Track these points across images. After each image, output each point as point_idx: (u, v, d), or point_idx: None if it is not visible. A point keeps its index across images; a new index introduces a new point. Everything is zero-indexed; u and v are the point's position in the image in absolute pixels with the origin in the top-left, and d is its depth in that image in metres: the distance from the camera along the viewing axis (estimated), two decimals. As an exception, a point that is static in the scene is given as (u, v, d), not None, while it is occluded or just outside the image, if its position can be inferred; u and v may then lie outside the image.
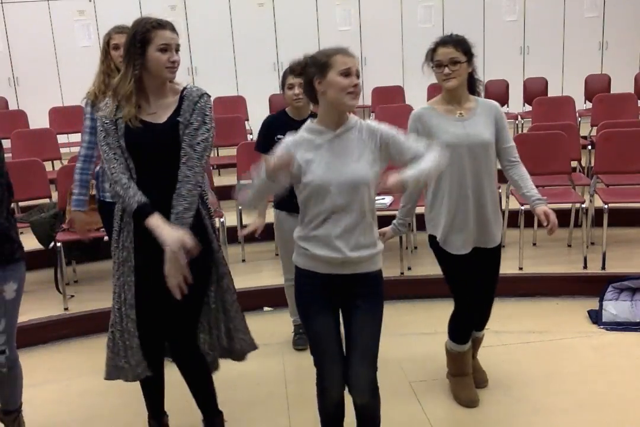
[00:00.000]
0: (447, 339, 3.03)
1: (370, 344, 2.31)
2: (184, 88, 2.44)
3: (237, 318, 2.63)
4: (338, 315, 2.35)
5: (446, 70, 2.67)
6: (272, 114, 3.50)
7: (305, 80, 2.28)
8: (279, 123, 3.32)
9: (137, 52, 2.32)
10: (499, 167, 2.89)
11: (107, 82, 3.18)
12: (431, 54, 2.72)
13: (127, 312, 2.48)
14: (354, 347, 2.30)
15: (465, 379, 3.06)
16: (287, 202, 3.32)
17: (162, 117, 2.40)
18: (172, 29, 2.38)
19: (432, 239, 2.87)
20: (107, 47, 3.22)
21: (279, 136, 3.28)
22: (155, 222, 2.31)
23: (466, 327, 2.97)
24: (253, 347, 2.68)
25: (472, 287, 2.87)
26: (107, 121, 2.40)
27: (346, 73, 2.18)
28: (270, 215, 3.51)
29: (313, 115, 3.07)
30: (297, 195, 2.30)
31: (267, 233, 3.56)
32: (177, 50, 2.38)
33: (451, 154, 2.66)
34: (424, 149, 2.29)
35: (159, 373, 2.67)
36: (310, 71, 2.23)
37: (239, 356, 2.69)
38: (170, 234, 2.28)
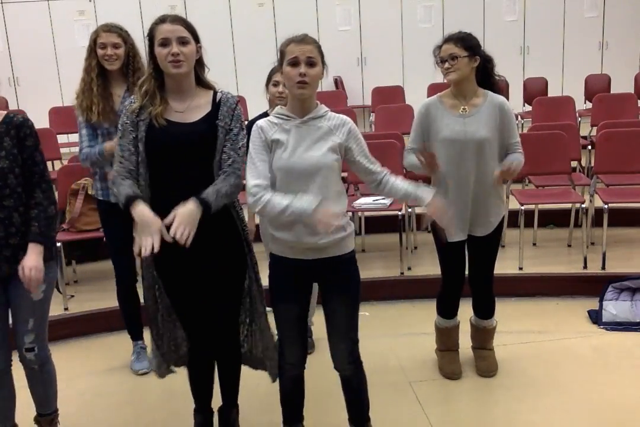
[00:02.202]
0: (436, 316, 3.25)
1: (344, 325, 2.45)
2: (216, 92, 2.45)
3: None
4: (306, 299, 2.50)
5: (446, 64, 2.88)
6: (253, 119, 3.49)
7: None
8: None
9: (149, 51, 2.37)
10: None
11: (87, 80, 3.15)
12: (438, 51, 2.93)
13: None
14: (331, 330, 2.47)
15: (451, 353, 3.27)
16: None
17: (191, 117, 2.39)
18: (173, 21, 2.34)
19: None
20: (94, 45, 3.13)
21: None
22: (138, 207, 2.26)
23: (447, 303, 3.20)
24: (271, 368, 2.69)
25: (452, 271, 3.11)
26: (128, 122, 2.39)
27: (293, 63, 2.23)
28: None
29: None
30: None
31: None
32: (183, 42, 2.32)
33: (448, 149, 2.91)
34: (380, 169, 2.39)
35: (208, 366, 2.69)
36: (279, 63, 2.31)
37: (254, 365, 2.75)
38: (150, 217, 2.23)
